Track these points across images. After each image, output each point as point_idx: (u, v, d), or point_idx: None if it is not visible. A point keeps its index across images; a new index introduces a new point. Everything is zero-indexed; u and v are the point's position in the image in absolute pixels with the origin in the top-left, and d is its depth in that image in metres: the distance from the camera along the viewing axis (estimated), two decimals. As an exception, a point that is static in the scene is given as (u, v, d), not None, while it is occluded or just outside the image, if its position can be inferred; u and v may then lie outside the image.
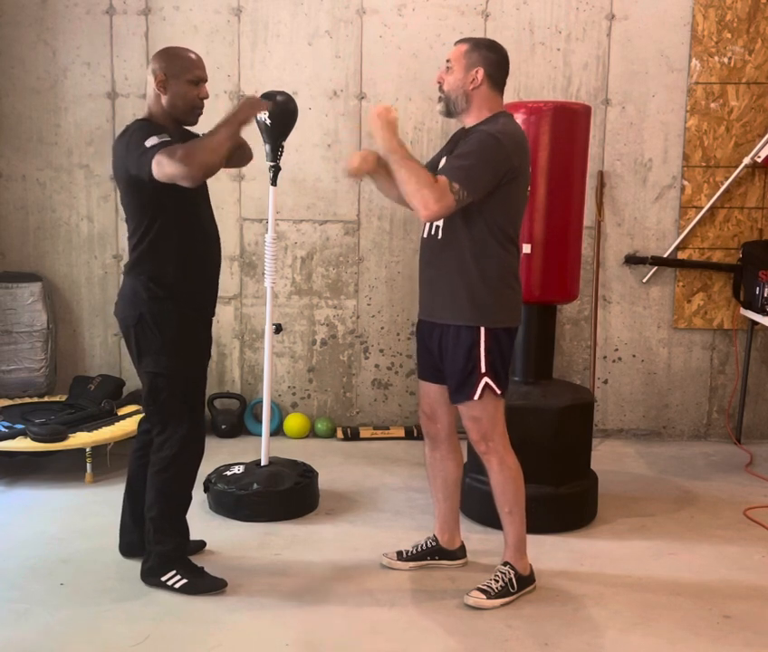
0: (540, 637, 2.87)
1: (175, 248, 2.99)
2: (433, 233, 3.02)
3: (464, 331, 2.98)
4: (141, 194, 2.90)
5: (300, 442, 4.95)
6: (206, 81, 3.04)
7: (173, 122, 2.99)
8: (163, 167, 2.72)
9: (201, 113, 3.05)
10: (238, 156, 3.20)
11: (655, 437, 5.12)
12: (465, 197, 2.81)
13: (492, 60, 2.97)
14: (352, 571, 3.32)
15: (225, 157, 2.86)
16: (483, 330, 2.96)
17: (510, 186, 2.90)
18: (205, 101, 3.03)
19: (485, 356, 2.96)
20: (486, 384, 2.98)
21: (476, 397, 2.99)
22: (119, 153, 2.95)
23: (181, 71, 2.95)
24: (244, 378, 5.11)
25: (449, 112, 3.04)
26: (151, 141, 2.78)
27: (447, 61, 3.02)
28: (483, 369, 2.97)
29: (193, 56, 3.02)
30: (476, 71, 2.95)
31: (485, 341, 2.96)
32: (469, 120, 3.00)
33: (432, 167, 3.11)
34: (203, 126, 3.06)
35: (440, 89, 3.03)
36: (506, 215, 2.96)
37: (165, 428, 3.07)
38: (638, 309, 5.03)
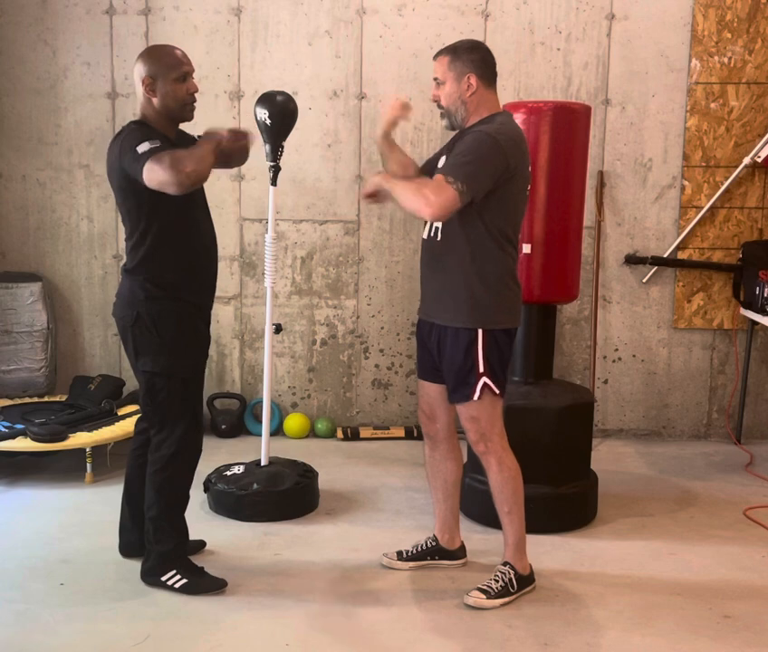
0: (540, 637, 2.87)
1: (171, 248, 2.99)
2: (432, 234, 3.02)
3: (462, 332, 2.98)
4: (136, 195, 2.90)
5: (300, 442, 4.95)
6: (193, 73, 3.02)
7: (167, 121, 2.99)
8: (155, 174, 2.73)
9: (194, 108, 3.03)
10: (238, 157, 3.22)
11: (655, 437, 5.12)
12: (464, 191, 2.79)
13: (477, 60, 2.97)
14: (352, 571, 3.32)
15: (212, 165, 2.86)
16: (481, 331, 2.96)
17: (507, 187, 2.90)
18: (196, 95, 3.01)
19: (483, 356, 2.96)
20: (485, 384, 2.98)
21: (476, 397, 2.99)
22: (113, 156, 2.94)
23: (167, 71, 2.93)
24: (244, 378, 5.11)
25: (452, 126, 3.04)
26: (143, 147, 2.77)
27: (435, 78, 3.02)
28: (481, 369, 2.97)
29: (177, 53, 2.99)
30: (468, 78, 2.94)
31: (483, 342, 2.96)
32: (469, 124, 3.00)
33: (430, 165, 3.12)
34: (203, 127, 3.07)
35: (439, 106, 3.04)
36: (504, 216, 2.95)
37: (163, 428, 3.07)
38: (638, 309, 5.03)
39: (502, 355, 3.01)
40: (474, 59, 2.96)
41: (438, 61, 3.01)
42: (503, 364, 3.03)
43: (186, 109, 3.00)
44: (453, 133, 3.15)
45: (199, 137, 2.97)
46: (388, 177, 3.03)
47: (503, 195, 2.90)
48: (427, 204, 2.80)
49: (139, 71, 2.95)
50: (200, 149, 2.83)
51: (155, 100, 2.95)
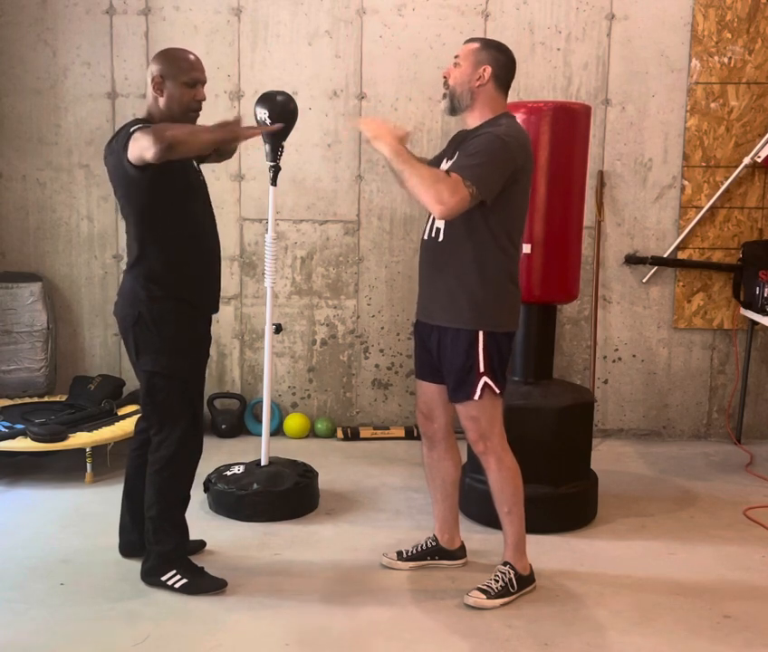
0: (540, 637, 2.87)
1: (171, 247, 2.99)
2: (434, 235, 3.01)
3: (463, 333, 2.98)
4: (137, 191, 2.90)
5: (300, 442, 4.95)
6: (204, 83, 3.03)
7: (170, 122, 2.99)
8: (137, 142, 2.74)
9: (198, 115, 3.04)
10: (227, 152, 3.29)
11: (655, 437, 5.12)
12: (477, 196, 2.78)
13: (500, 60, 2.97)
14: (352, 571, 3.32)
15: (199, 148, 2.86)
16: (482, 333, 2.96)
17: (513, 189, 2.89)
18: (202, 103, 3.03)
19: (484, 356, 2.96)
20: (486, 383, 2.98)
21: (476, 396, 2.99)
22: (115, 151, 2.94)
23: (178, 74, 2.94)
24: (244, 378, 5.11)
25: (453, 108, 3.01)
26: (136, 127, 2.82)
27: (456, 57, 3.01)
28: (482, 369, 2.97)
29: (191, 58, 3.01)
30: (484, 69, 2.94)
31: (484, 344, 2.96)
32: (472, 120, 2.99)
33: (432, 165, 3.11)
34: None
35: (445, 84, 3.01)
36: (508, 218, 2.95)
37: (162, 428, 3.07)
38: (638, 309, 5.03)
39: (502, 356, 3.01)
40: (497, 57, 2.97)
41: (467, 45, 3.01)
42: (502, 365, 3.02)
43: (189, 115, 3.00)
44: (453, 134, 3.15)
45: None
46: (403, 153, 2.86)
47: (507, 197, 2.89)
48: (439, 200, 2.76)
49: (151, 68, 2.97)
50: (194, 129, 2.83)
51: (161, 100, 2.96)
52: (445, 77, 3.02)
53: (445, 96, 3.02)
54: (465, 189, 2.75)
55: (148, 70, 3.00)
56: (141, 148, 2.72)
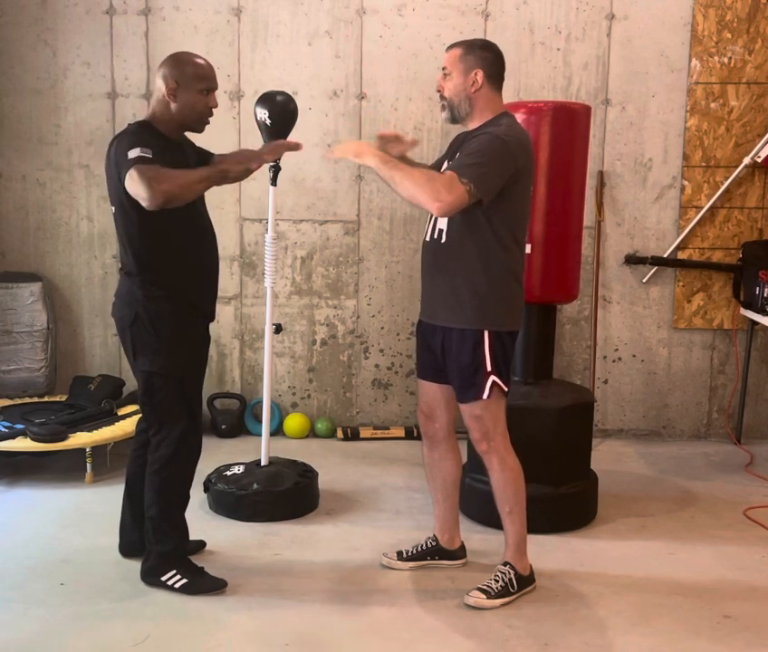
0: (540, 637, 2.87)
1: (170, 247, 2.98)
2: (436, 236, 3.00)
3: (468, 333, 2.98)
4: (135, 200, 2.89)
5: (300, 442, 4.95)
6: (216, 89, 3.03)
7: (177, 127, 2.99)
8: (133, 183, 2.75)
9: (209, 122, 3.05)
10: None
11: (655, 437, 5.12)
12: (475, 194, 2.77)
13: (489, 59, 2.96)
14: (352, 571, 3.32)
15: (196, 195, 2.91)
16: (487, 332, 2.96)
17: (514, 189, 2.89)
18: (213, 110, 3.04)
19: (491, 355, 2.96)
20: (494, 382, 2.98)
21: (485, 395, 2.99)
22: (113, 162, 2.92)
23: (193, 81, 2.94)
24: (244, 378, 5.11)
25: (454, 118, 3.02)
26: (133, 153, 2.77)
27: (444, 68, 3.00)
28: (489, 368, 2.97)
29: (206, 65, 3.01)
30: (476, 74, 2.94)
31: (490, 343, 2.96)
32: (473, 124, 2.99)
33: (433, 169, 3.11)
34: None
35: (441, 97, 3.02)
36: (511, 218, 2.95)
37: (161, 428, 3.07)
38: (638, 309, 5.03)
39: (506, 355, 3.01)
40: (485, 57, 2.96)
41: (450, 52, 3.00)
42: (507, 363, 3.03)
43: (201, 121, 3.02)
44: (452, 138, 3.15)
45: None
46: (390, 160, 2.89)
47: (509, 197, 2.89)
48: (436, 198, 2.75)
49: (164, 72, 2.95)
50: (191, 175, 2.84)
51: (174, 106, 2.95)
52: (439, 91, 3.02)
53: (444, 108, 3.03)
54: (462, 186, 2.75)
55: (159, 73, 2.98)
56: (136, 193, 2.74)
